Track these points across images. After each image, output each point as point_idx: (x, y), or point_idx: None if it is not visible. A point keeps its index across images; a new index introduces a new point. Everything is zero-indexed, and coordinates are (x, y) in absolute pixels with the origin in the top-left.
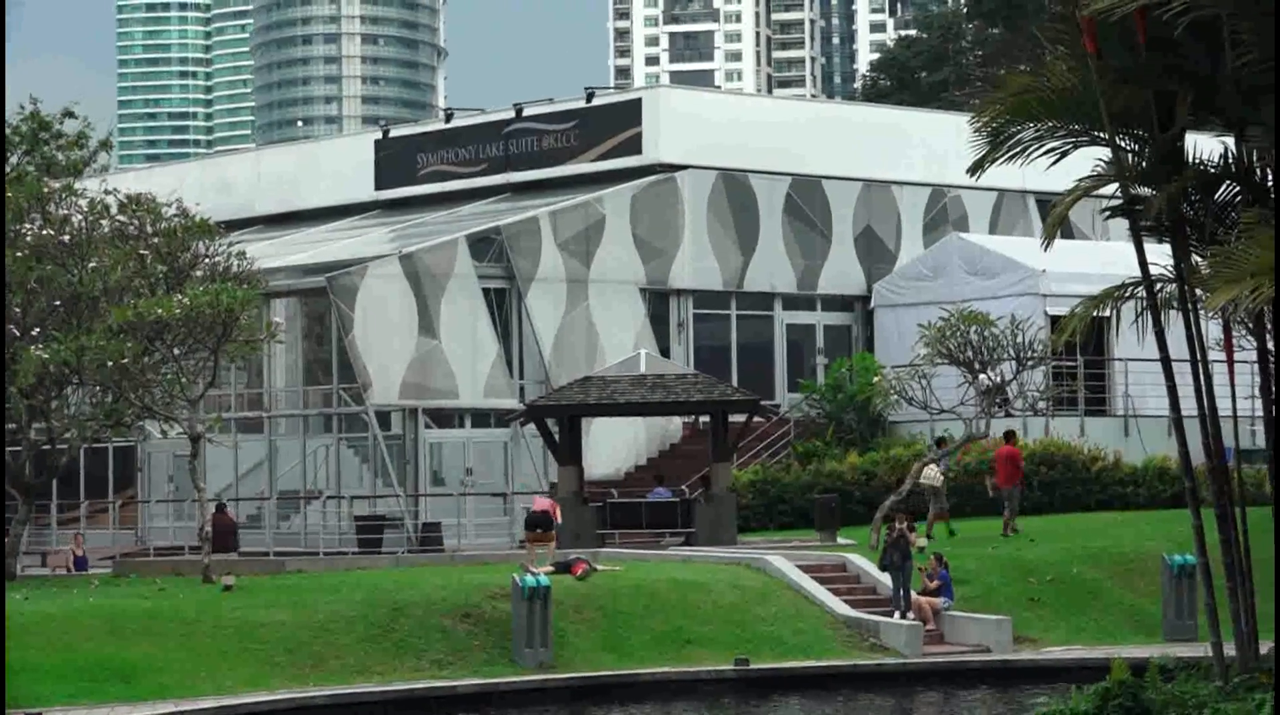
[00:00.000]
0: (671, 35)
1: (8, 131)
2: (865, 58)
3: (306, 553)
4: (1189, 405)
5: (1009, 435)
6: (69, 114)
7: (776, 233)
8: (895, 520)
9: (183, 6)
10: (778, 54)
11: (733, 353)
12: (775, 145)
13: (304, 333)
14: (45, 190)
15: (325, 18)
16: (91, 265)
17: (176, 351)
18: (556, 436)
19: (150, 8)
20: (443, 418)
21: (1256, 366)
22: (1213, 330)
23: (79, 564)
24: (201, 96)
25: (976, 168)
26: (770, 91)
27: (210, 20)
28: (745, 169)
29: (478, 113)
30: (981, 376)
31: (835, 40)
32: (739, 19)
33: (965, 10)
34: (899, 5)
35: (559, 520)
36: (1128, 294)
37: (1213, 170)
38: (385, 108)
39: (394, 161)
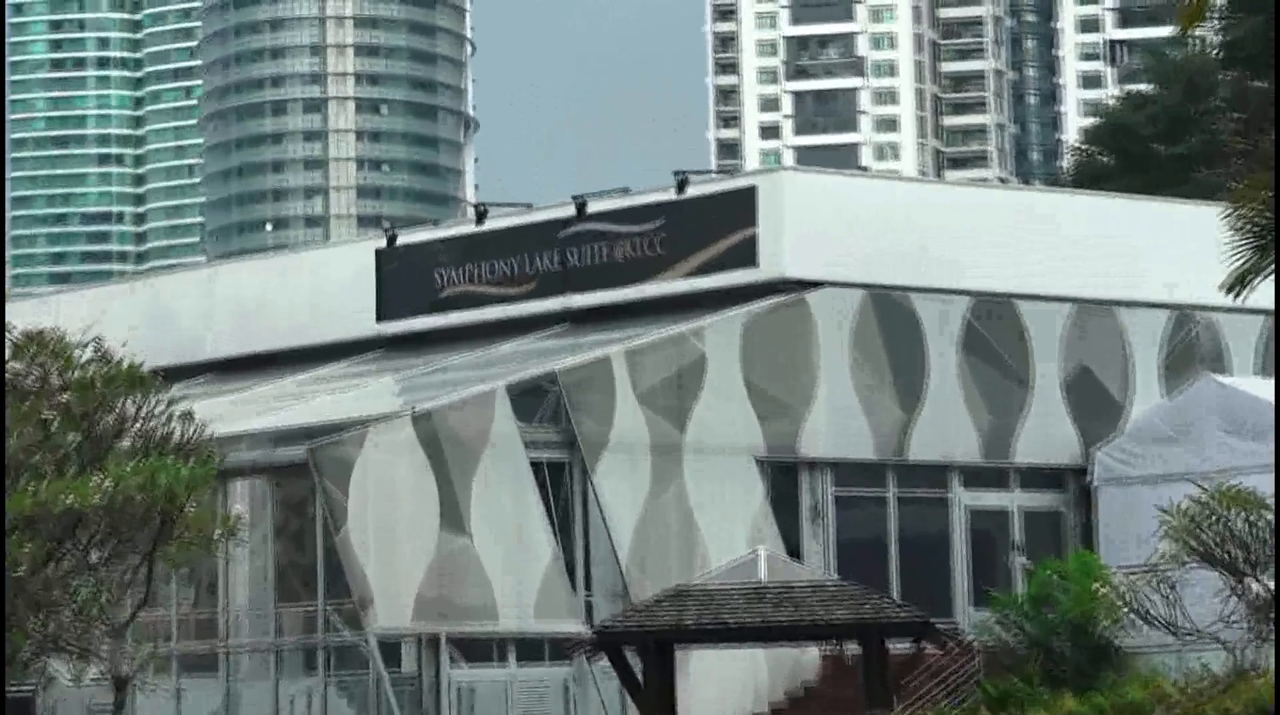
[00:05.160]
0: (797, 95)
1: None
2: (1074, 123)
3: None
4: None
5: None
6: None
7: (952, 378)
8: None
9: (103, 63)
10: (950, 120)
11: (892, 551)
12: (948, 251)
13: (276, 528)
14: None
15: (305, 76)
16: None
17: (95, 556)
18: (640, 675)
19: (57, 64)
20: (476, 649)
21: None
22: None
23: None
24: (129, 190)
25: (1237, 283)
26: (940, 173)
27: (142, 81)
28: (906, 286)
29: (522, 210)
30: (1252, 584)
31: (1031, 100)
32: (893, 70)
33: (1217, 55)
34: (1121, 50)
35: None
36: None
37: None
38: (390, 203)
39: (403, 279)
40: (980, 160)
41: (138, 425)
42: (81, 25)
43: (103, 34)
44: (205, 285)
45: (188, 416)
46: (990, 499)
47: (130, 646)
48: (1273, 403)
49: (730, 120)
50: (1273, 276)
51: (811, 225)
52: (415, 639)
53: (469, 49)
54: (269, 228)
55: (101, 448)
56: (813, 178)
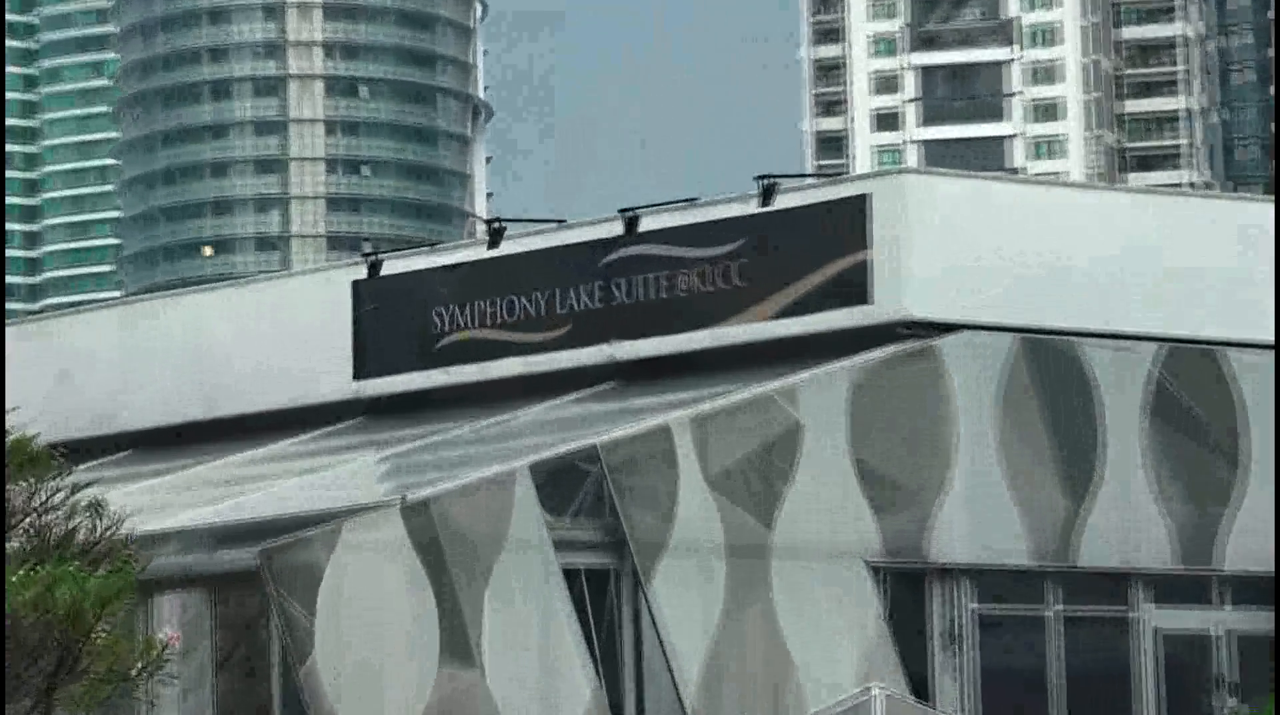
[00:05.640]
0: (925, 72)
1: None
2: None
3: None
4: None
5: None
6: None
7: (1136, 454)
8: None
9: None
10: (1132, 105)
11: (1053, 688)
12: (1130, 282)
13: (218, 659)
14: None
15: (257, 46)
16: None
17: None
18: None
19: None
20: None
21: None
22: None
23: None
24: (19, 200)
25: None
26: (1119, 177)
27: (35, 54)
28: (1072, 330)
29: (552, 228)
30: None
31: (1241, 76)
32: (1055, 37)
33: None
34: None
35: None
36: None
37: None
38: (372, 219)
39: (390, 323)
40: (1172, 159)
41: (30, 519)
42: None
43: None
44: (122, 330)
45: (98, 507)
46: (1188, 619)
47: None
48: None
49: (833, 106)
50: None
51: (944, 247)
52: None
53: (479, 9)
54: (208, 253)
55: None
56: (946, 183)
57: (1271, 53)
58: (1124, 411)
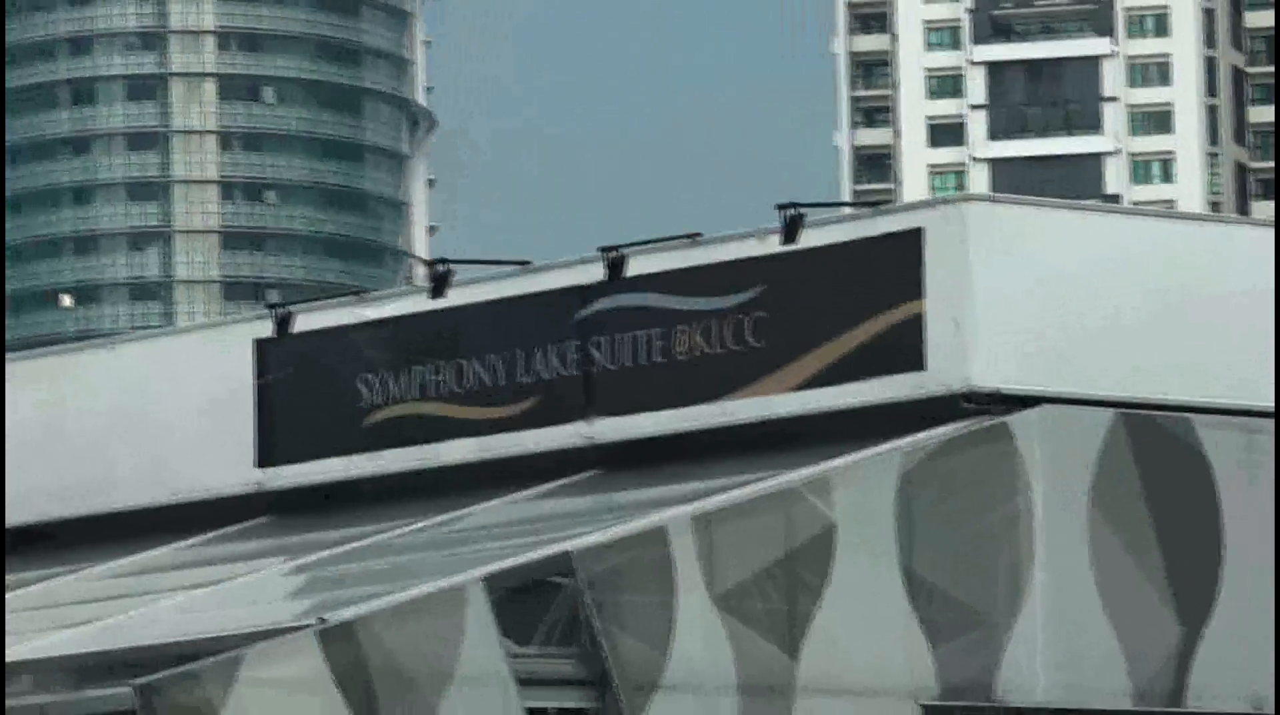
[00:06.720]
0: (993, 70)
1: None
2: None
3: None
4: None
5: None
6: None
7: (1265, 565)
8: None
9: None
10: (1262, 113)
11: None
12: (1261, 346)
13: None
14: None
15: (129, 34)
16: None
17: None
18: None
19: None
20: None
21: None
22: None
23: None
24: None
25: None
26: (1245, 207)
27: None
28: (1185, 405)
29: (513, 271)
30: None
31: None
32: (1164, 26)
33: None
34: None
35: None
36: None
37: None
38: (281, 260)
39: (303, 395)
40: None
41: None
42: None
43: None
44: None
45: None
46: None
47: None
48: None
49: (876, 114)
50: None
51: (1019, 297)
52: None
53: None
54: (68, 303)
55: None
56: (1021, 214)
57: None
58: (1252, 509)
